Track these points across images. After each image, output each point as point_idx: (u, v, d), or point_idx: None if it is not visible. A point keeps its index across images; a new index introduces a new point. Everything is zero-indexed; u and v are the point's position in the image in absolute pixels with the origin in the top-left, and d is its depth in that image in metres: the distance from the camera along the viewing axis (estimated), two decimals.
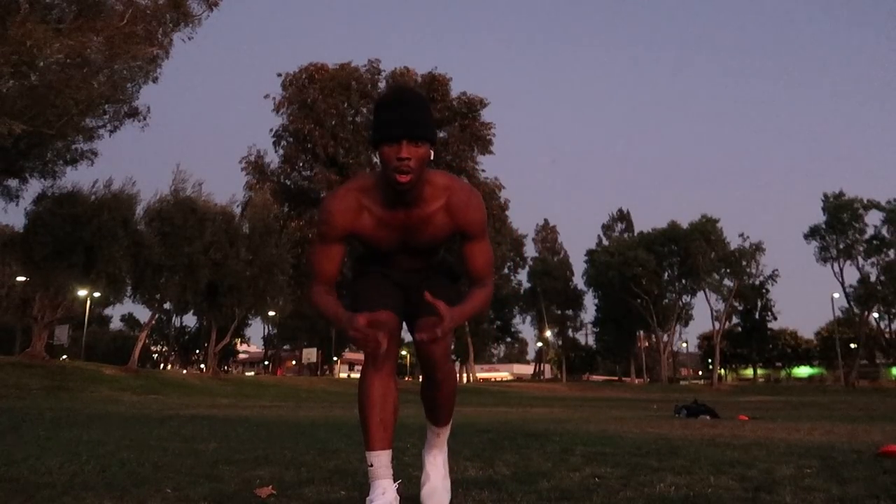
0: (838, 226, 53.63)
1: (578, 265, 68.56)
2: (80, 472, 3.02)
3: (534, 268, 68.01)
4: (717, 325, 62.40)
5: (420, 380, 2.30)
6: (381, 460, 1.96)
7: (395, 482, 2.00)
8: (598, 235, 73.48)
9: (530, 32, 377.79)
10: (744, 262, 59.35)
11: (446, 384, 2.16)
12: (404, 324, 2.17)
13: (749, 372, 74.70)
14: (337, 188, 2.06)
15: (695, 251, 57.47)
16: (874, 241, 53.32)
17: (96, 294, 33.74)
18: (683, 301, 63.67)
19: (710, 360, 69.54)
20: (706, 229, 58.92)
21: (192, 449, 4.16)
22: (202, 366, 52.19)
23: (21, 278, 34.09)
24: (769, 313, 65.54)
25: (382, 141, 1.89)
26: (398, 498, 1.98)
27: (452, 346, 2.24)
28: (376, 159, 1.92)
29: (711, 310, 61.51)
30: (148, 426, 6.68)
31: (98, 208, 26.94)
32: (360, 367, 2.21)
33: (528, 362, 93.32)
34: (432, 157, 1.94)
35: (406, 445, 4.36)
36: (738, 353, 70.67)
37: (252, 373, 67.78)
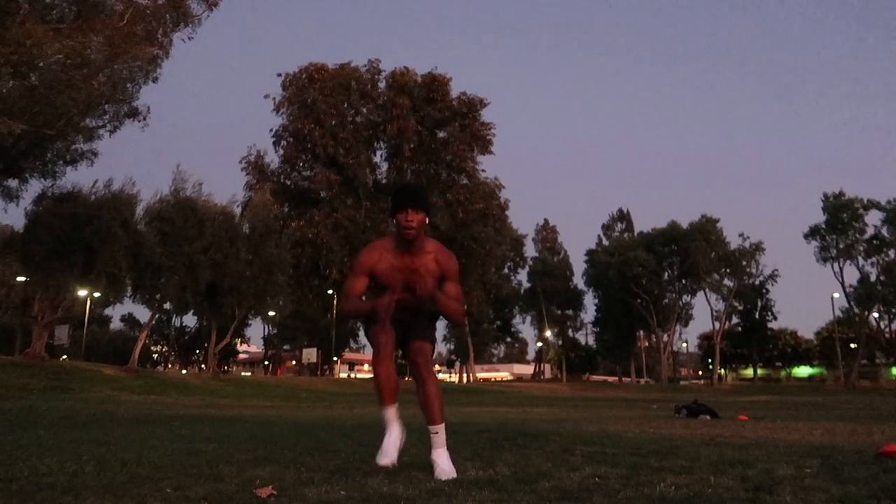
0: (838, 226, 53.61)
1: (578, 265, 68.57)
2: (80, 472, 3.02)
3: (534, 268, 67.95)
4: (717, 325, 62.44)
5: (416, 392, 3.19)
6: (390, 412, 3.20)
7: (400, 424, 3.23)
8: (598, 235, 73.49)
9: (530, 32, 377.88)
10: (744, 262, 59.32)
11: (429, 381, 3.13)
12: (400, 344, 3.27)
13: (749, 372, 74.66)
14: (369, 243, 3.24)
15: (695, 251, 57.44)
16: (874, 241, 53.29)
17: (96, 294, 33.72)
18: (683, 301, 63.70)
19: (710, 360, 69.52)
20: (706, 229, 58.89)
21: (192, 449, 4.16)
22: (202, 366, 52.18)
23: (21, 278, 34.09)
24: (769, 313, 65.49)
25: (396, 210, 3.06)
26: (402, 434, 3.24)
27: (433, 355, 3.24)
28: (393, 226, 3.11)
29: (711, 310, 61.60)
30: (148, 426, 6.68)
31: (98, 208, 26.89)
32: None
33: (528, 362, 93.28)
34: (427, 222, 3.09)
35: (405, 445, 4.35)
36: (738, 353, 70.64)
37: (251, 373, 67.79)
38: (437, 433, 3.05)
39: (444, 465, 2.96)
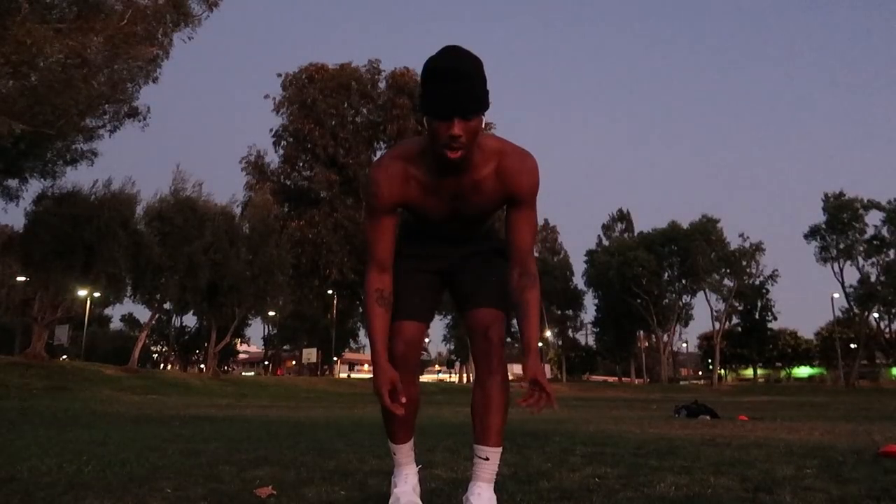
0: (838, 226, 53.56)
1: (578, 265, 68.48)
2: (80, 472, 3.01)
3: None
4: (717, 325, 62.38)
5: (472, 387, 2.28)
6: (402, 450, 2.18)
7: (416, 466, 2.23)
8: (598, 235, 73.41)
9: (531, 32, 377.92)
10: (744, 262, 59.27)
11: (499, 375, 2.18)
12: (451, 294, 2.26)
13: (749, 372, 74.63)
14: (382, 156, 1.97)
15: (695, 251, 57.41)
16: (874, 241, 53.23)
17: (96, 294, 33.73)
18: (683, 301, 63.62)
19: (710, 360, 69.49)
20: (706, 229, 58.86)
21: (192, 449, 4.15)
22: (202, 366, 52.16)
23: (21, 278, 34.10)
24: (769, 313, 65.41)
25: (435, 115, 1.74)
26: (418, 485, 2.20)
27: (506, 338, 2.20)
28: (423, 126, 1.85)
29: (711, 310, 61.52)
30: (148, 426, 6.68)
31: (98, 208, 26.90)
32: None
33: None
34: (483, 125, 1.80)
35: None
36: (738, 353, 70.54)
37: (252, 373, 67.78)
38: (488, 459, 2.15)
39: None
